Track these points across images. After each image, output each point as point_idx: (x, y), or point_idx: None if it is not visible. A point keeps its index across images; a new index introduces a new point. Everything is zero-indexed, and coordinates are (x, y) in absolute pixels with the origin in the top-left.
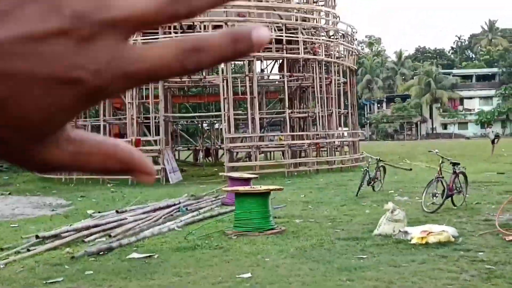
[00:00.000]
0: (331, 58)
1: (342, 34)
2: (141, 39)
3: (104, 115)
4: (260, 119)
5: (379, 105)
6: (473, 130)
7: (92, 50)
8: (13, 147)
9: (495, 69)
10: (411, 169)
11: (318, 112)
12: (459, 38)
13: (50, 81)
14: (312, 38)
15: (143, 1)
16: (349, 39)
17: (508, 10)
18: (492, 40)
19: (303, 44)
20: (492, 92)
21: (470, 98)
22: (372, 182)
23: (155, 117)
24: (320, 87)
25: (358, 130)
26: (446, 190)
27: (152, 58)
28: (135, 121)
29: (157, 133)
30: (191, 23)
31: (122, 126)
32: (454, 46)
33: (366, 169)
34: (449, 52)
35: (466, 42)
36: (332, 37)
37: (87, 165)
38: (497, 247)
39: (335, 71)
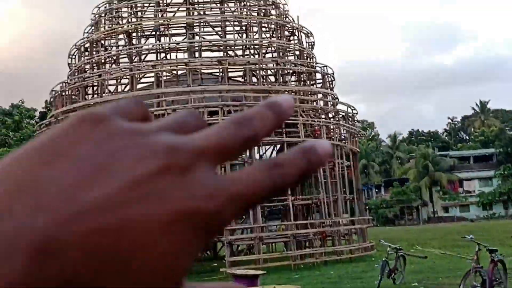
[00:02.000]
0: (333, 140)
1: (343, 115)
2: None
3: None
4: (261, 207)
5: (377, 190)
6: (475, 212)
7: (195, 179)
8: None
9: (492, 150)
10: (426, 257)
11: (323, 198)
12: (452, 120)
13: (167, 218)
14: (312, 120)
15: (223, 132)
16: (350, 120)
17: (498, 90)
18: (485, 121)
19: (303, 127)
20: (491, 173)
21: (469, 179)
22: (393, 274)
23: None
24: (324, 171)
25: (366, 216)
26: (487, 282)
27: (247, 179)
28: None
29: None
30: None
31: None
32: (448, 128)
33: (385, 260)
34: (443, 134)
35: (459, 124)
36: (333, 118)
37: None
38: None
39: (338, 154)
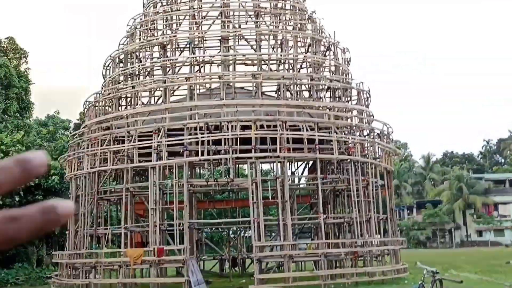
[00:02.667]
0: (367, 158)
1: (378, 133)
2: (166, 141)
3: (126, 222)
4: (291, 225)
5: (408, 211)
6: (510, 237)
7: None
8: None
9: None
10: (462, 281)
11: (356, 218)
12: (487, 143)
13: None
14: (346, 137)
15: None
16: (385, 138)
17: None
18: None
19: (337, 144)
20: None
21: (505, 203)
22: None
23: (179, 224)
24: (357, 190)
25: (398, 237)
26: None
27: None
28: (158, 229)
29: (181, 242)
30: (218, 123)
31: (144, 234)
32: (483, 150)
33: (421, 283)
34: (478, 157)
35: (495, 147)
36: (367, 136)
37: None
38: None
39: (372, 173)
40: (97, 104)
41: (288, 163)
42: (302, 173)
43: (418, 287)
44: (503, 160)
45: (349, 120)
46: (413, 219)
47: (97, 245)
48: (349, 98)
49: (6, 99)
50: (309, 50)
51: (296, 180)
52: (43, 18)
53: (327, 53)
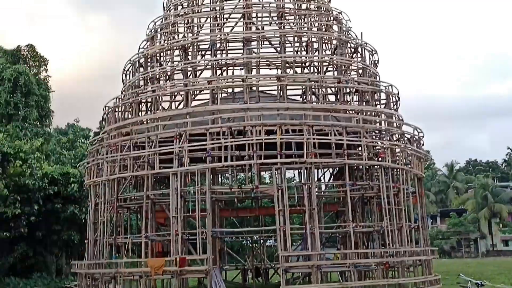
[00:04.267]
0: (398, 164)
1: (408, 138)
2: (188, 146)
3: (146, 231)
4: (319, 233)
5: (432, 220)
6: None
7: None
8: None
9: None
10: None
11: (386, 226)
12: (511, 151)
13: None
14: (375, 142)
15: None
16: (416, 143)
17: None
18: None
19: (366, 149)
20: None
21: None
22: None
23: (202, 233)
24: (388, 197)
25: (431, 247)
26: None
27: None
28: (179, 238)
29: (204, 251)
30: (241, 128)
31: (165, 243)
32: (507, 158)
33: None
34: (502, 165)
35: None
36: (397, 141)
37: None
38: None
39: (403, 180)
40: (116, 110)
41: (315, 170)
42: (329, 180)
43: None
44: None
45: (378, 124)
46: (437, 228)
47: (117, 255)
48: (377, 102)
49: (26, 106)
50: (336, 52)
51: (323, 187)
52: (66, 25)
53: (354, 55)
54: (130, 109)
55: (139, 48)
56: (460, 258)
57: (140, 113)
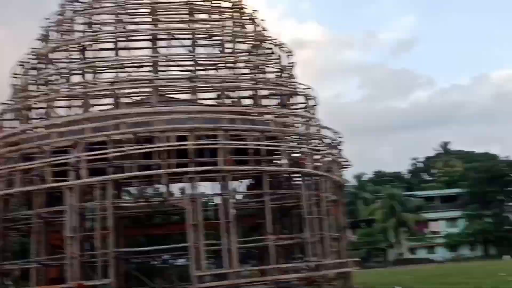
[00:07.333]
0: (319, 170)
1: (329, 143)
2: (86, 156)
3: (39, 255)
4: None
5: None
6: (442, 254)
7: None
8: None
9: (457, 190)
10: None
11: (307, 238)
12: (416, 161)
13: None
14: (297, 147)
15: None
16: (336, 148)
17: (455, 133)
18: (448, 161)
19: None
20: (457, 213)
21: (435, 220)
22: None
23: (104, 254)
24: (310, 207)
25: (350, 258)
26: None
27: None
28: (77, 261)
29: (106, 275)
30: (149, 134)
31: (62, 268)
32: (411, 168)
33: None
34: (406, 175)
35: (422, 165)
36: (317, 146)
37: None
38: None
39: (325, 187)
40: (2, 117)
41: (230, 178)
42: (246, 190)
43: None
44: (430, 178)
45: (297, 128)
46: (347, 239)
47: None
48: (294, 105)
49: None
50: (251, 52)
51: (238, 197)
52: None
53: (270, 56)
54: (19, 116)
55: (30, 48)
56: (371, 268)
57: (31, 121)
